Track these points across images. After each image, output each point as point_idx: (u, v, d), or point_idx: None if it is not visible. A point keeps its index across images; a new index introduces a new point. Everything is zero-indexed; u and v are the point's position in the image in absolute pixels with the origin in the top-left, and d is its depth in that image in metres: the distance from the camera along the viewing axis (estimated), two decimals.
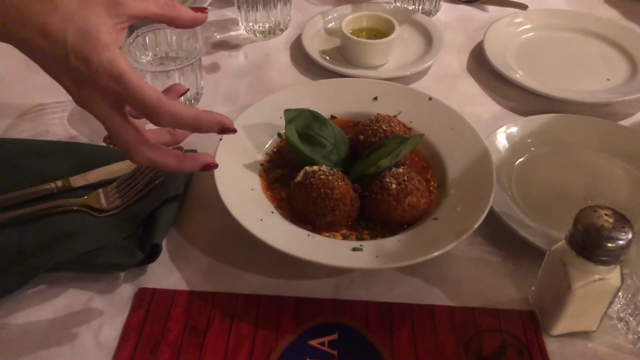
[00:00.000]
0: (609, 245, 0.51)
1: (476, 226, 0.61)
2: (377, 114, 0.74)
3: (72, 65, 0.49)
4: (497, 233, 0.67)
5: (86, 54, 0.49)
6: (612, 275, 0.54)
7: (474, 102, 0.89)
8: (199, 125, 0.54)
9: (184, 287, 0.63)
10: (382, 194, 0.64)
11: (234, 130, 0.57)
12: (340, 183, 0.64)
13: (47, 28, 0.48)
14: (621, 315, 0.59)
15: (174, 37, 0.83)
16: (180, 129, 0.58)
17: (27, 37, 0.49)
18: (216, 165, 0.59)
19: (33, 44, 0.49)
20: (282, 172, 0.71)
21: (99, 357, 0.57)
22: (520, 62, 0.95)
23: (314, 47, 0.96)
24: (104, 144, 0.78)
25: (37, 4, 0.49)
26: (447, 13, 1.09)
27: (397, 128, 0.72)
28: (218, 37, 1.01)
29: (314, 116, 0.71)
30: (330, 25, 1.02)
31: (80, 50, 0.49)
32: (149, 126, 0.55)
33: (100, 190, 0.69)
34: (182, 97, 0.83)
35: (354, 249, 0.61)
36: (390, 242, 0.62)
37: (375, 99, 0.80)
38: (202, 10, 0.57)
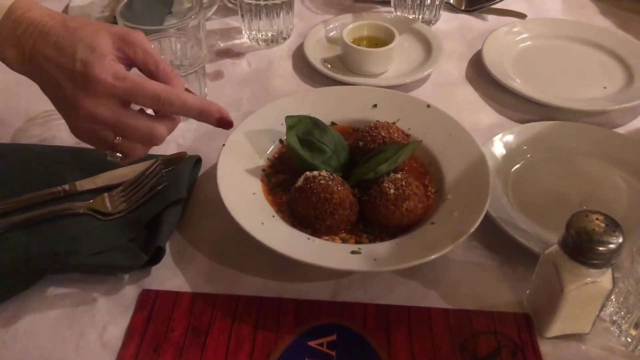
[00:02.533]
0: (600, 248, 0.52)
1: (472, 230, 0.62)
2: (377, 120, 0.75)
3: (77, 72, 0.56)
4: (493, 237, 0.68)
5: (91, 61, 0.56)
6: (604, 279, 0.55)
7: (472, 110, 0.90)
8: (200, 105, 0.61)
9: (187, 288, 0.64)
10: (381, 198, 0.66)
11: (230, 123, 0.63)
12: (339, 188, 0.65)
13: (62, 45, 0.57)
14: (614, 318, 0.61)
15: (179, 45, 0.85)
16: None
17: (45, 52, 0.57)
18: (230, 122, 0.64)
19: (47, 59, 0.57)
20: (283, 177, 0.72)
21: (104, 356, 0.58)
22: (518, 70, 0.97)
23: (315, 55, 0.97)
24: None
25: (58, 30, 0.58)
26: (446, 22, 1.11)
27: (396, 134, 0.73)
28: (222, 45, 1.03)
29: (315, 123, 0.73)
30: (332, 34, 1.03)
31: (86, 59, 0.56)
32: None
33: (105, 194, 0.71)
34: None
35: (353, 252, 0.62)
36: (388, 246, 0.64)
37: (375, 106, 0.81)
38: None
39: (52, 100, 0.60)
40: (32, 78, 0.60)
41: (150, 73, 0.60)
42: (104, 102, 0.56)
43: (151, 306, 0.62)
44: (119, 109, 0.57)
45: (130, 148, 0.60)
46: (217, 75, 0.96)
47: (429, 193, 0.71)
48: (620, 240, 0.52)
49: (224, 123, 0.62)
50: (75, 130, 0.59)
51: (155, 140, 0.60)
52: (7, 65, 0.60)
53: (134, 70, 0.61)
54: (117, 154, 0.60)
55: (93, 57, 0.56)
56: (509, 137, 0.80)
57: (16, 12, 0.59)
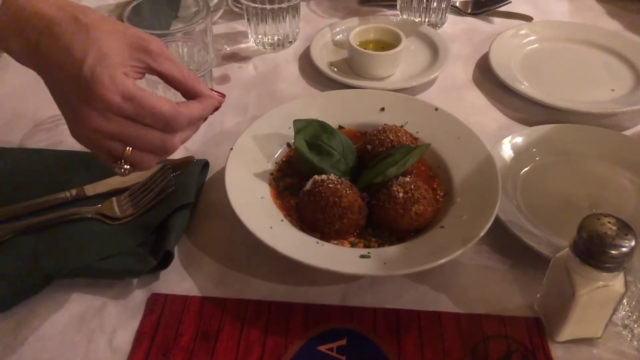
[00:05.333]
0: (612, 252, 0.52)
1: (482, 234, 0.62)
2: (384, 124, 0.75)
3: (83, 82, 0.51)
4: (503, 241, 0.68)
5: (100, 75, 0.51)
6: (616, 282, 0.54)
7: (479, 113, 0.90)
8: (207, 113, 0.60)
9: (196, 293, 0.64)
10: (390, 202, 0.65)
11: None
12: (348, 192, 0.65)
13: (71, 47, 0.52)
14: (626, 322, 0.60)
15: (186, 50, 0.85)
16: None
17: (51, 54, 0.52)
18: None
19: (53, 60, 0.52)
20: (291, 181, 0.72)
21: None
22: (525, 73, 0.96)
23: (322, 59, 0.97)
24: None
25: (69, 26, 0.52)
26: (452, 25, 1.11)
27: (404, 138, 0.73)
28: (228, 49, 1.03)
29: (323, 126, 0.73)
30: (338, 37, 1.03)
31: (95, 69, 0.51)
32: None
33: (113, 198, 0.71)
34: None
35: (362, 256, 0.62)
36: (398, 250, 0.63)
37: (383, 109, 0.81)
38: (221, 95, 0.61)
39: (57, 102, 0.56)
40: (38, 73, 0.56)
41: (176, 81, 0.57)
42: (110, 117, 0.53)
43: (160, 310, 0.62)
44: (127, 123, 0.54)
45: (140, 159, 0.57)
46: (224, 79, 0.96)
47: (437, 197, 0.71)
48: (633, 243, 0.52)
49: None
50: (78, 137, 0.56)
51: (168, 151, 0.58)
52: (13, 57, 0.55)
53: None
54: (125, 166, 0.56)
55: (103, 69, 0.51)
56: (518, 140, 0.80)
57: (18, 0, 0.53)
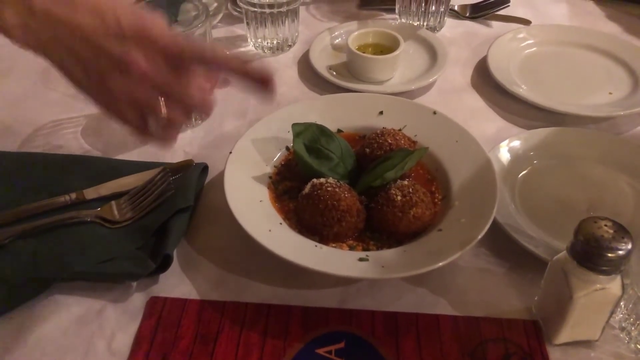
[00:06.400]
0: (609, 255, 0.52)
1: (480, 237, 0.62)
2: (383, 127, 0.75)
3: (124, 29, 0.52)
4: (501, 244, 0.68)
5: (142, 22, 0.53)
6: (613, 285, 0.55)
7: (478, 116, 0.90)
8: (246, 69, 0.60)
9: (195, 296, 0.64)
10: (388, 205, 0.66)
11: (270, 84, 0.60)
12: (346, 195, 0.65)
13: (99, 8, 0.52)
14: (623, 325, 0.60)
15: None
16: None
17: (77, 21, 0.52)
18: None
19: (81, 25, 0.52)
20: (290, 184, 0.73)
21: None
22: (524, 76, 0.97)
23: (321, 62, 0.98)
24: (116, 158, 0.80)
25: None
26: (451, 29, 1.11)
27: (402, 141, 0.73)
28: (227, 53, 1.03)
29: (321, 130, 0.73)
30: (337, 41, 1.04)
31: (134, 19, 0.53)
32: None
33: (113, 202, 0.71)
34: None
35: (361, 259, 0.62)
36: (396, 253, 0.64)
37: (381, 113, 0.81)
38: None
39: (76, 78, 0.54)
40: (38, 44, 0.53)
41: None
42: (158, 58, 0.53)
43: (159, 313, 0.62)
44: (170, 69, 0.54)
45: (174, 114, 0.56)
46: (223, 82, 0.96)
47: (436, 200, 0.71)
48: (629, 246, 0.52)
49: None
50: (110, 98, 0.55)
51: (206, 104, 0.59)
52: (6, 33, 0.52)
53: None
54: (156, 126, 0.56)
55: (142, 19, 0.52)
56: (515, 143, 0.80)
57: None
